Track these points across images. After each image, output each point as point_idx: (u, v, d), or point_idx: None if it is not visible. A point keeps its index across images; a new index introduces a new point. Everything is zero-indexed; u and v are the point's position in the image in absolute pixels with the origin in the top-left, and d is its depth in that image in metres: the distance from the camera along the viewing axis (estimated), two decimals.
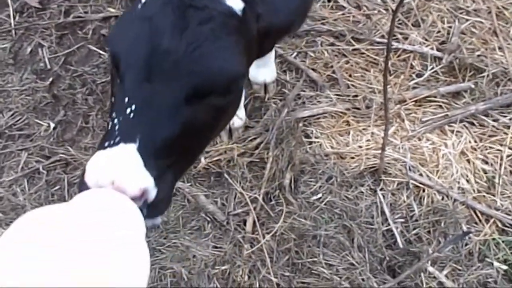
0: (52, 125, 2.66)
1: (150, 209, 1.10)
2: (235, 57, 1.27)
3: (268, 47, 1.72)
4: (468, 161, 2.49)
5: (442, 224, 2.34)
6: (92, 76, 2.76)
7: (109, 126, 1.17)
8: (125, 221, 0.89)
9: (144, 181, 1.08)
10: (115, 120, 1.15)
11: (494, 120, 2.56)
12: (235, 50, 1.26)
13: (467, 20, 2.80)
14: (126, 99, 1.16)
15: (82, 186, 1.06)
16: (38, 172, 2.57)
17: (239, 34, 1.28)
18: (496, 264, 2.28)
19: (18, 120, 2.68)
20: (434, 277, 2.25)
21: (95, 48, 2.83)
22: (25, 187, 2.54)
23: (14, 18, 2.93)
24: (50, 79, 2.77)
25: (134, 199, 1.02)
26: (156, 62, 1.17)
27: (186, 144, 1.25)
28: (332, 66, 2.70)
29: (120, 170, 1.05)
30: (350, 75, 2.69)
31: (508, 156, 2.49)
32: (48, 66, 2.81)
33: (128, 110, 1.14)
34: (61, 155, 2.58)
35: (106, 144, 1.12)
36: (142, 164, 1.09)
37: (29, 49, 2.86)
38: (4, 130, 2.66)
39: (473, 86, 2.60)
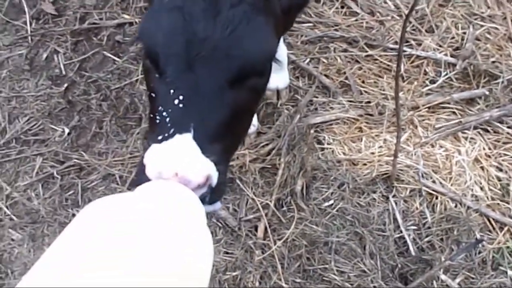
0: (67, 130, 2.69)
1: (213, 193, 1.12)
2: (269, 36, 1.29)
3: (289, 24, 1.73)
4: (482, 168, 2.46)
5: (455, 232, 2.32)
6: (106, 82, 2.78)
7: (158, 120, 1.18)
8: (188, 211, 0.92)
9: (206, 168, 1.10)
10: (164, 113, 1.17)
11: (508, 127, 2.53)
12: (268, 29, 1.28)
13: (481, 26, 2.77)
14: (172, 91, 1.17)
15: (142, 179, 1.08)
16: (52, 177, 2.60)
17: (267, 13, 1.29)
18: (510, 272, 2.25)
19: (33, 126, 2.72)
20: (447, 285, 2.23)
21: (109, 54, 2.86)
22: (40, 192, 2.57)
23: (31, 24, 2.98)
24: (65, 85, 2.80)
25: (197, 187, 1.05)
26: (195, 50, 1.18)
27: (234, 127, 1.28)
28: (345, 72, 2.70)
29: (182, 161, 1.07)
30: (363, 81, 2.68)
31: None
32: (63, 72, 2.84)
33: (176, 101, 1.16)
34: (75, 160, 2.61)
35: (160, 137, 1.13)
36: (201, 152, 1.11)
37: (44, 56, 2.90)
38: (19, 135, 2.70)
39: (487, 92, 2.58)
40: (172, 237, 0.79)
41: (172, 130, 1.13)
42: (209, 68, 1.18)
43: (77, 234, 0.78)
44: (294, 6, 1.51)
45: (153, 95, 1.26)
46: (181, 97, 1.16)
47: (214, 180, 1.12)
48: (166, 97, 1.18)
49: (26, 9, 3.00)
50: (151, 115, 1.26)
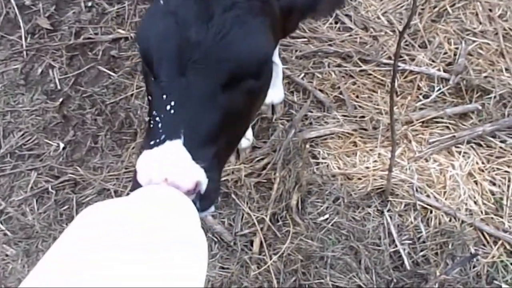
0: (62, 145, 2.69)
1: (203, 200, 1.14)
2: (262, 39, 1.28)
3: (292, 27, 1.69)
4: (476, 182, 2.48)
5: (450, 246, 2.33)
6: (102, 96, 2.79)
7: (151, 125, 1.19)
8: (181, 214, 0.94)
9: (195, 174, 1.11)
10: (157, 118, 1.18)
11: (501, 142, 2.56)
12: (262, 32, 1.28)
13: (474, 41, 2.81)
14: (164, 96, 1.18)
15: (135, 185, 1.10)
16: (47, 192, 2.59)
17: (263, 14, 1.29)
18: (504, 286, 2.26)
19: (28, 140, 2.72)
20: None
21: (104, 69, 2.87)
22: (34, 207, 2.57)
23: (26, 39, 2.98)
24: (60, 100, 2.81)
25: (187, 192, 1.07)
26: (187, 55, 1.19)
27: (228, 131, 1.28)
28: (339, 87, 2.72)
29: (171, 168, 1.08)
30: (357, 96, 2.70)
31: None
32: (59, 87, 2.85)
33: (168, 107, 1.17)
34: (70, 175, 2.60)
35: (152, 143, 1.15)
36: (191, 158, 1.12)
37: (40, 70, 2.90)
38: (14, 150, 2.69)
39: (480, 107, 2.61)
40: (167, 238, 0.80)
41: (163, 136, 1.14)
42: (200, 73, 1.19)
43: (73, 239, 0.79)
44: (296, 9, 1.49)
45: (149, 98, 1.28)
46: (172, 103, 1.17)
47: (204, 187, 1.13)
48: (160, 102, 1.19)
49: (21, 24, 3.00)
50: (147, 118, 1.28)
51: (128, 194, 2.39)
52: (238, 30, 1.21)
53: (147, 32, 1.26)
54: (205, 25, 1.20)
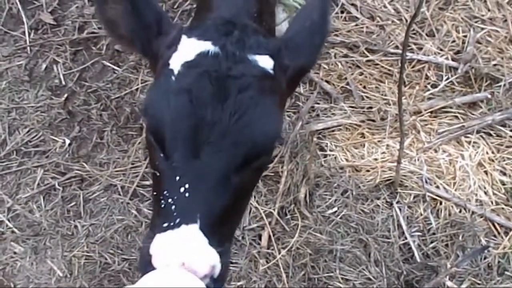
0: (68, 141, 2.67)
1: (216, 281, 1.11)
2: (276, 118, 1.27)
3: (293, 91, 1.72)
4: (486, 172, 2.45)
5: (460, 237, 2.31)
6: (107, 91, 2.77)
7: (162, 204, 1.16)
8: None
9: (212, 259, 1.09)
10: (169, 200, 1.15)
11: (511, 130, 2.52)
12: (275, 110, 1.26)
13: (482, 29, 2.76)
14: (178, 178, 1.15)
15: (147, 267, 1.08)
16: (54, 189, 2.58)
17: (274, 93, 1.27)
18: None
19: (33, 137, 2.70)
20: None
21: (109, 64, 2.84)
22: (41, 204, 2.56)
23: (29, 35, 2.96)
24: (65, 96, 2.79)
25: (203, 276, 1.05)
26: (202, 136, 1.16)
27: (237, 209, 1.27)
28: (346, 78, 2.68)
29: (189, 252, 1.06)
30: (364, 87, 2.67)
31: None
32: (63, 83, 2.82)
33: (182, 189, 1.14)
34: (77, 171, 2.59)
35: (165, 225, 1.12)
36: (207, 243, 1.10)
37: (44, 66, 2.88)
38: (20, 147, 2.68)
39: (489, 96, 2.57)
40: None
41: (178, 220, 1.12)
42: (216, 156, 1.16)
43: None
44: (298, 73, 1.44)
45: (157, 174, 1.24)
46: (187, 186, 1.14)
47: (217, 270, 1.11)
48: (172, 183, 1.16)
49: (24, 20, 2.98)
50: (155, 194, 1.24)
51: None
52: (253, 112, 1.19)
53: (158, 109, 1.21)
54: (221, 105, 1.17)
